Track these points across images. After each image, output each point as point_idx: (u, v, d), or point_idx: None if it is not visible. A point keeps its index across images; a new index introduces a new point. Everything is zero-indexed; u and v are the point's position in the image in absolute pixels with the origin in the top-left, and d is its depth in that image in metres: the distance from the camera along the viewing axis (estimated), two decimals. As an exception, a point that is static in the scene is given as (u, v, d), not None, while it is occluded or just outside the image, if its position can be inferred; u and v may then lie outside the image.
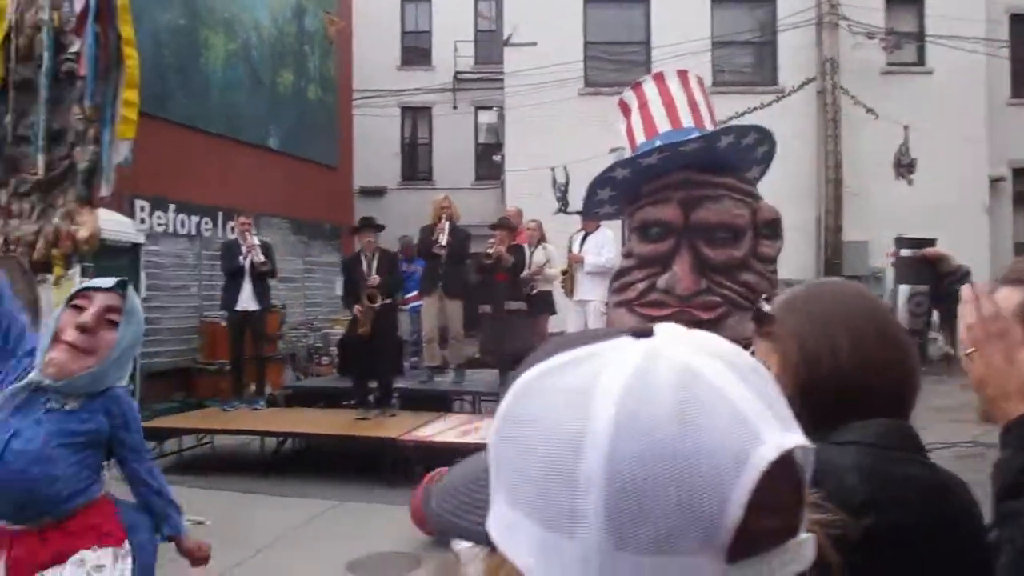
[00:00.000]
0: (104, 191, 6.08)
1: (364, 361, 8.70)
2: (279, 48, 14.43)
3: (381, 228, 8.85)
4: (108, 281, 2.52)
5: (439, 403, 9.09)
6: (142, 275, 9.93)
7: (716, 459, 0.52)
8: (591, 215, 5.39)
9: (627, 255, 4.54)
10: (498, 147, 19.55)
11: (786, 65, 15.47)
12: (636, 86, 4.75)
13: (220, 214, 12.23)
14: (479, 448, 0.62)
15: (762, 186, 4.48)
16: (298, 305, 14.24)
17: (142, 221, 10.85)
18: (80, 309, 2.44)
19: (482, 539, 0.59)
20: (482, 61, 21.91)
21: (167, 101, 11.44)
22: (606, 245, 8.82)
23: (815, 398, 1.14)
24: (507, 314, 9.15)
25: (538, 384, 0.58)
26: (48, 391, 2.40)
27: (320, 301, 15.03)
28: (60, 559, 2.38)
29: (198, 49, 12.42)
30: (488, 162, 20.78)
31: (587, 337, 0.60)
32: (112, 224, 8.24)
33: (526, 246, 9.56)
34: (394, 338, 9.42)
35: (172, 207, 11.55)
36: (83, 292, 2.48)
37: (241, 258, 9.23)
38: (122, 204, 10.05)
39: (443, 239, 8.75)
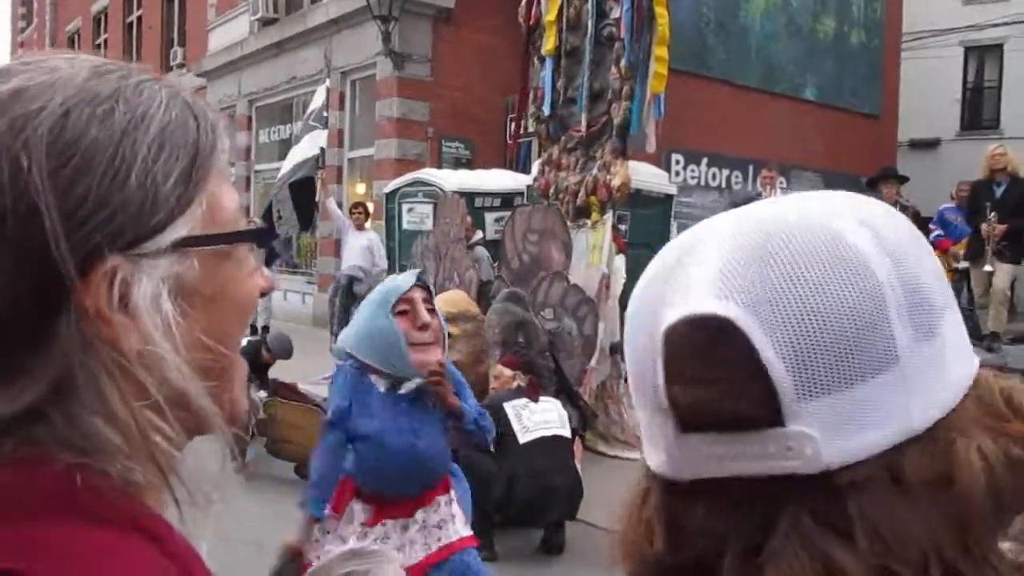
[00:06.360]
0: (649, 146, 6.65)
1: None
2: (821, -7, 13.90)
3: (904, 180, 8.08)
4: (410, 277, 2.87)
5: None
6: (673, 225, 10.52)
7: (633, 319, 0.58)
8: None
9: None
10: (1089, 85, 16.29)
11: None
12: None
13: (750, 167, 12.37)
14: None
15: None
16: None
17: (676, 174, 11.51)
18: (405, 313, 2.77)
19: None
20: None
21: (706, 57, 11.86)
22: None
23: None
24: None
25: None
26: (422, 387, 2.80)
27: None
28: (423, 504, 2.85)
29: (738, 2, 12.58)
30: (1074, 104, 17.42)
31: None
32: (648, 176, 8.86)
33: None
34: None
35: (705, 160, 12.03)
36: (401, 299, 2.78)
37: (762, 211, 9.31)
38: (659, 157, 10.76)
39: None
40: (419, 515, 2.86)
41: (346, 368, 2.86)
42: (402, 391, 2.80)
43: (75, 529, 0.48)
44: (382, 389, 2.79)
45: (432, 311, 2.82)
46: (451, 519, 2.92)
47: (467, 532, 2.96)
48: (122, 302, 0.51)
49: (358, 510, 2.86)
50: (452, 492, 2.97)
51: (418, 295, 2.80)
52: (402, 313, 2.76)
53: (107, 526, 0.49)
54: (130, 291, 0.52)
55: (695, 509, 0.53)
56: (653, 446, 0.57)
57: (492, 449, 3.64)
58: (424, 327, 2.75)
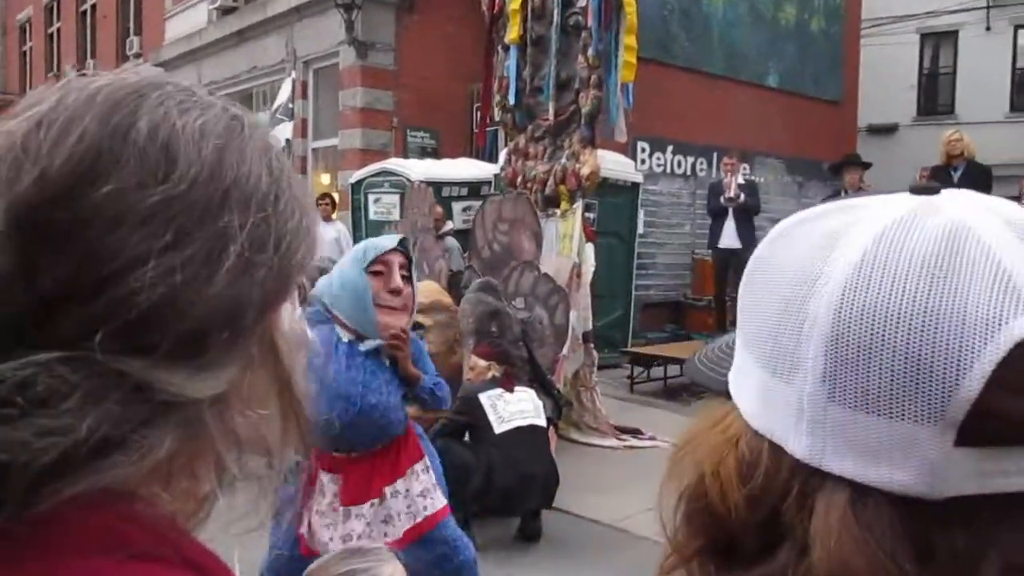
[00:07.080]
0: (619, 136, 6.68)
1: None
2: (782, -19, 14.03)
3: (867, 166, 8.24)
4: (392, 240, 2.83)
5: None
6: (640, 212, 10.60)
7: (962, 322, 0.45)
8: None
9: None
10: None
11: None
12: None
13: (714, 154, 12.45)
14: None
15: None
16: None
17: (642, 162, 11.55)
18: (379, 274, 2.75)
19: (723, 389, 0.57)
20: (1027, -30, 18.65)
21: (670, 45, 11.91)
22: None
23: None
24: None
25: (792, 230, 0.55)
26: (380, 348, 2.80)
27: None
28: (395, 476, 2.85)
29: (701, -10, 12.66)
30: (1027, 90, 17.82)
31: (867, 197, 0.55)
32: (615, 164, 8.93)
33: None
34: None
35: (670, 148, 12.09)
36: (377, 259, 2.76)
37: (723, 198, 9.50)
38: (625, 146, 10.81)
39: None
40: (400, 484, 2.87)
41: (315, 313, 2.83)
42: (360, 347, 2.80)
43: (119, 564, 0.48)
44: (344, 340, 2.81)
45: (407, 279, 2.81)
46: (432, 488, 2.95)
47: (444, 500, 3.00)
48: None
49: (326, 481, 2.85)
50: (426, 459, 2.98)
51: (396, 260, 2.79)
52: (376, 273, 2.76)
53: (153, 560, 0.49)
54: (289, 318, 0.57)
55: (950, 529, 0.48)
56: (901, 458, 0.48)
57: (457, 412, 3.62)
58: (395, 292, 2.76)
